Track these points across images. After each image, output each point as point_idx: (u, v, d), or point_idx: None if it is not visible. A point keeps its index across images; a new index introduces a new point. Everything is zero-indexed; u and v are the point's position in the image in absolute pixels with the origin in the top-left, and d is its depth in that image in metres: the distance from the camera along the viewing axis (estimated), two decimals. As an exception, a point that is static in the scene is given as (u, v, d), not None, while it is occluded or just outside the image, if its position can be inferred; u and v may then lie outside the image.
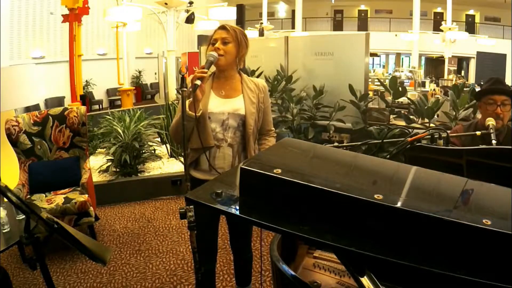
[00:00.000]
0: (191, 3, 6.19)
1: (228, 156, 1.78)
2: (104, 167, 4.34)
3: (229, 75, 1.80)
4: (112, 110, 6.01)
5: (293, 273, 0.98)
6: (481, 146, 1.63)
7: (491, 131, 1.72)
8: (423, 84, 11.05)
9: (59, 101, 10.48)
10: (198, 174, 1.82)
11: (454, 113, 3.78)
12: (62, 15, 5.57)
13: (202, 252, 2.01)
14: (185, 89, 1.54)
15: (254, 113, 1.79)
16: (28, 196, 3.01)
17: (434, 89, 9.17)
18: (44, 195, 3.04)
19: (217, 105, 1.76)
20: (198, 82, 1.57)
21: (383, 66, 20.17)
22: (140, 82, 14.19)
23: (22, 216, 2.15)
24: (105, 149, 4.77)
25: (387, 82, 4.39)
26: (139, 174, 4.21)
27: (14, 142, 3.11)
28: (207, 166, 1.78)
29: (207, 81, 1.78)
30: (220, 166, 1.78)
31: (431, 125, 3.79)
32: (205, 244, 1.90)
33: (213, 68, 1.77)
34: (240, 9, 3.54)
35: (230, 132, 1.78)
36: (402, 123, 4.23)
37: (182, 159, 1.62)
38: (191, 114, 1.64)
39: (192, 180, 1.78)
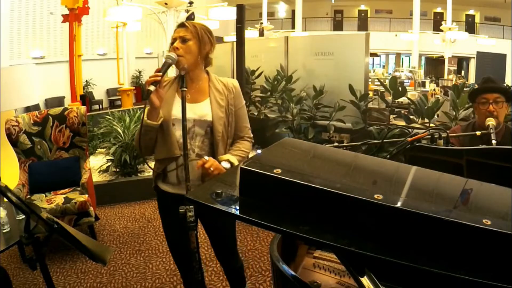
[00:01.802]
0: (191, 3, 6.18)
1: (196, 167, 1.58)
2: (104, 167, 4.34)
3: (195, 76, 1.62)
4: (112, 110, 6.01)
5: (293, 273, 0.98)
6: (481, 146, 1.63)
7: (491, 131, 1.73)
8: (423, 84, 11.06)
9: (59, 101, 10.48)
10: (166, 187, 1.67)
11: (454, 113, 3.78)
12: (62, 15, 5.57)
13: (180, 264, 1.86)
14: (185, 89, 1.52)
15: (222, 117, 1.60)
16: (28, 196, 3.01)
17: (434, 89, 9.18)
18: (44, 195, 3.04)
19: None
20: (151, 87, 1.45)
21: (383, 66, 20.17)
22: (140, 82, 14.19)
23: (22, 216, 2.15)
24: (105, 149, 4.77)
25: (387, 82, 4.40)
26: (139, 174, 4.21)
27: (14, 142, 3.11)
28: (175, 179, 1.63)
29: (172, 84, 1.64)
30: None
31: (431, 125, 3.80)
32: (182, 256, 1.80)
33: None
34: (240, 9, 3.54)
35: (197, 141, 1.61)
36: (402, 123, 4.23)
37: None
38: (150, 123, 1.52)
39: (161, 193, 1.69)
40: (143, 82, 14.41)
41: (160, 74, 1.47)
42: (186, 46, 1.55)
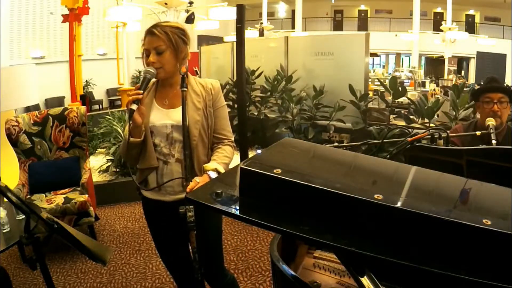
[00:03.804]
0: (191, 3, 6.18)
1: (176, 172, 1.56)
2: (104, 167, 4.34)
3: (174, 81, 1.57)
4: (112, 110, 6.01)
5: (293, 273, 0.98)
6: (481, 146, 1.63)
7: (491, 131, 1.73)
8: (423, 84, 11.06)
9: (59, 101, 10.48)
10: (148, 193, 1.64)
11: (454, 113, 3.79)
12: (62, 15, 5.56)
13: (172, 268, 1.80)
14: (185, 89, 1.52)
15: (198, 121, 1.55)
16: (28, 196, 3.01)
17: (434, 89, 9.18)
18: (44, 195, 3.04)
19: (160, 117, 1.56)
20: (133, 106, 1.42)
21: (383, 66, 20.17)
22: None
23: (22, 216, 2.15)
24: (105, 149, 4.77)
25: (387, 82, 4.41)
26: (139, 174, 4.21)
27: (14, 142, 3.11)
28: (155, 185, 1.60)
29: (150, 91, 1.60)
30: (168, 184, 1.57)
31: (431, 125, 3.80)
32: (172, 259, 1.75)
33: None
34: (240, 9, 3.54)
35: (176, 146, 1.56)
36: (402, 123, 4.24)
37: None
38: (134, 140, 1.49)
39: (144, 199, 1.68)
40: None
41: (141, 92, 1.44)
42: (162, 58, 1.49)
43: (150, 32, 1.50)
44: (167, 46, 1.48)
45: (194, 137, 1.54)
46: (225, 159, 1.57)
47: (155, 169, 1.57)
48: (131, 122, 1.46)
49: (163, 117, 1.56)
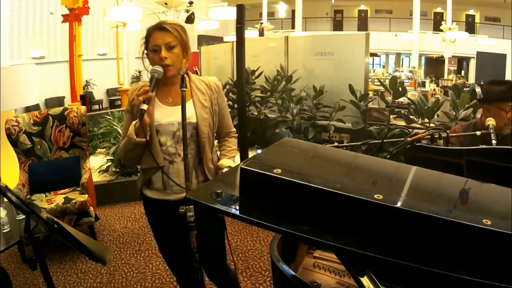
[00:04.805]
0: (191, 3, 6.17)
1: (182, 171, 1.53)
2: (104, 167, 4.34)
3: (176, 80, 1.55)
4: (112, 110, 6.01)
5: (293, 273, 0.98)
6: (481, 146, 1.63)
7: (491, 131, 1.72)
8: (423, 84, 11.07)
9: (59, 101, 10.49)
10: (151, 194, 1.63)
11: (454, 113, 3.79)
12: (62, 15, 5.57)
13: (175, 269, 1.83)
14: (185, 89, 1.52)
15: (207, 118, 1.57)
16: (28, 196, 3.01)
17: (434, 89, 9.18)
18: (44, 195, 3.04)
19: (165, 115, 1.55)
20: (144, 106, 1.40)
21: (383, 66, 20.17)
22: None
23: (22, 216, 2.15)
24: (105, 149, 4.77)
25: (387, 82, 4.41)
26: (139, 174, 4.21)
27: (14, 142, 3.11)
28: (160, 185, 1.59)
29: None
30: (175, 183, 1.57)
31: (431, 125, 3.80)
32: (176, 260, 1.77)
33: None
34: (240, 9, 3.54)
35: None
36: (402, 123, 4.23)
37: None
38: (140, 141, 1.45)
39: (146, 200, 1.67)
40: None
41: (151, 93, 1.43)
42: (173, 54, 1.50)
43: (160, 28, 1.51)
44: (177, 42, 1.51)
45: (204, 135, 1.57)
46: (234, 152, 1.70)
47: (160, 170, 1.56)
48: (137, 123, 1.44)
49: (169, 115, 1.55)
